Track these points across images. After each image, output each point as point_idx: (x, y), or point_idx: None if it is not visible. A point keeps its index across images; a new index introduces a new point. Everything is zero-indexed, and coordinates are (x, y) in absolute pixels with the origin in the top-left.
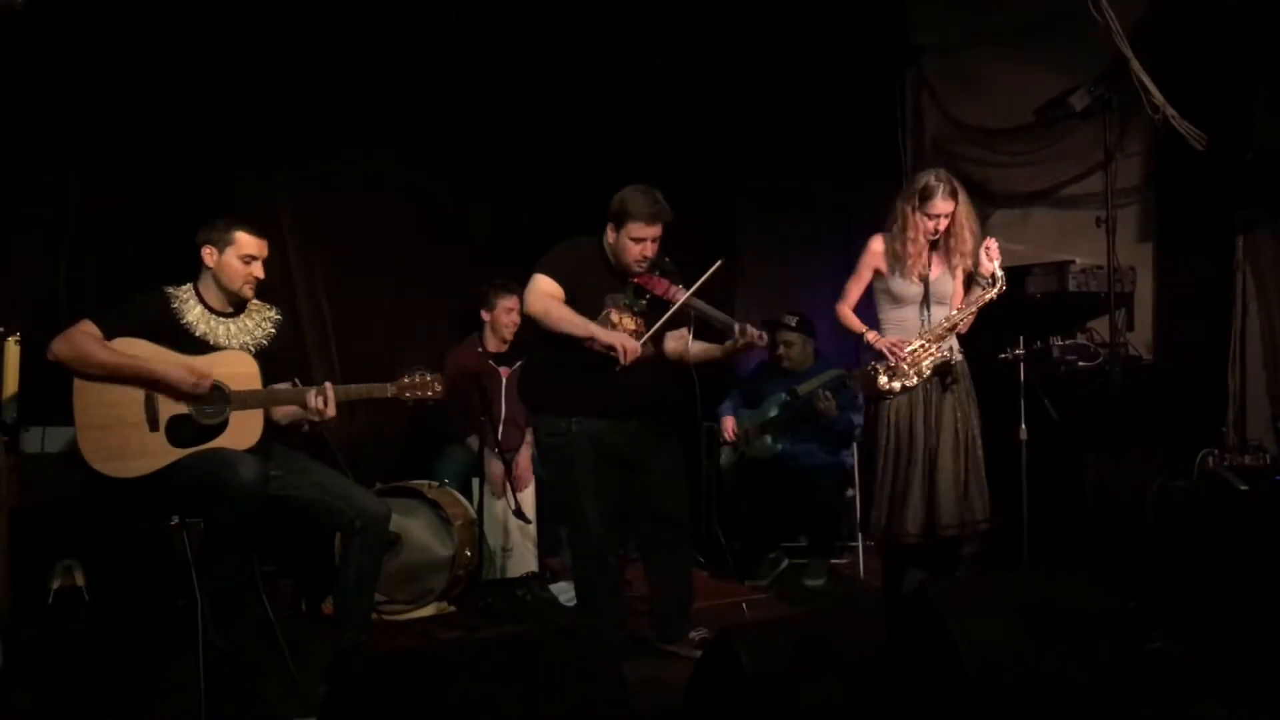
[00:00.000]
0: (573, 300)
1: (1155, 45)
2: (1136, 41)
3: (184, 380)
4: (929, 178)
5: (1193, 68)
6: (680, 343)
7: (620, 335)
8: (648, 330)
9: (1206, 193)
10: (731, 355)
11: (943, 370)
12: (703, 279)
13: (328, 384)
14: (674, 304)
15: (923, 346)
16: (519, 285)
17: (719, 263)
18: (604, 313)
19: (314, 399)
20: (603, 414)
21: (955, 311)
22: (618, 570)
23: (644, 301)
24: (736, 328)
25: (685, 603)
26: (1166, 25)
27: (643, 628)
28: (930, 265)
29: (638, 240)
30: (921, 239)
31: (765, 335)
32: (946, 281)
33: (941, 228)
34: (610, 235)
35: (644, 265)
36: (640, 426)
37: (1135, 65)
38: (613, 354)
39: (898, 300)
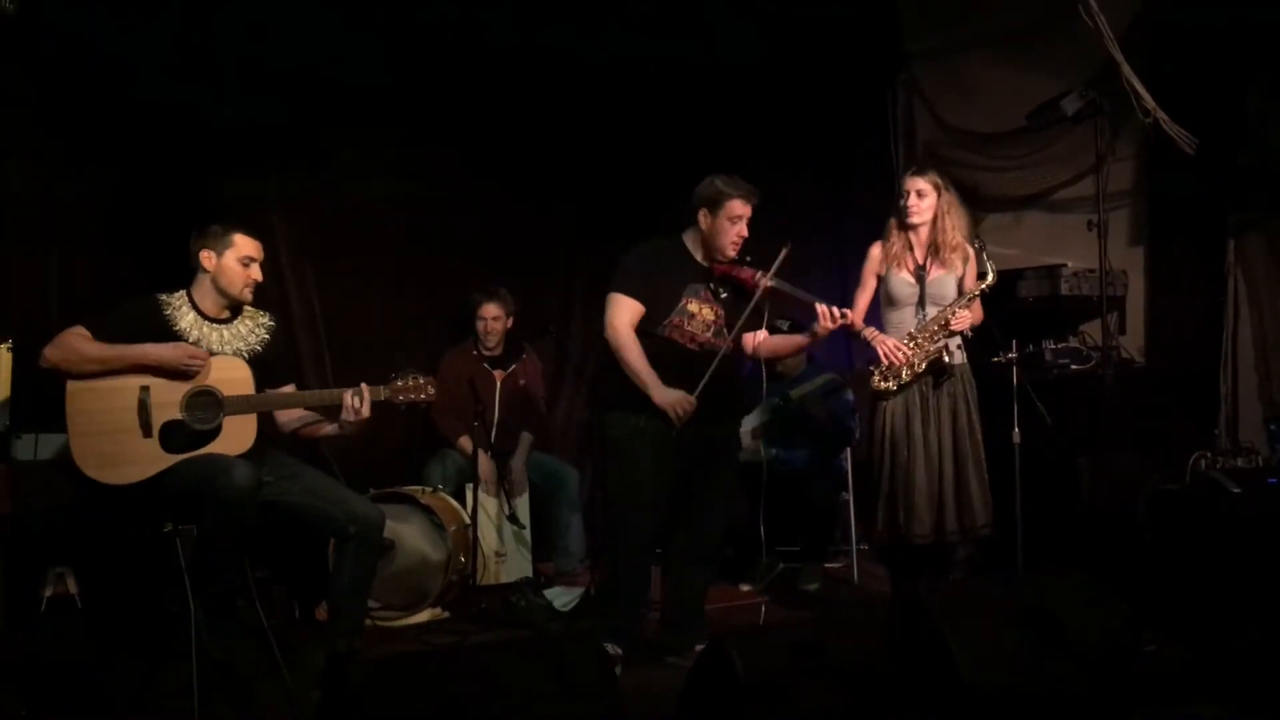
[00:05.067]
0: (652, 301)
1: (1146, 49)
2: (1127, 45)
3: (177, 357)
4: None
5: (1183, 72)
6: (752, 340)
7: (674, 397)
8: (727, 319)
9: (1198, 196)
10: (815, 339)
11: (937, 368)
12: (779, 260)
13: (363, 384)
14: (759, 290)
15: (916, 344)
16: (501, 292)
17: (788, 247)
18: (682, 303)
19: (351, 398)
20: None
21: (947, 308)
22: (648, 576)
23: (725, 291)
24: (820, 309)
25: (698, 616)
26: (1157, 29)
27: (647, 634)
28: (927, 266)
29: (735, 220)
30: (901, 222)
31: (847, 311)
32: (945, 284)
33: (915, 206)
34: (704, 221)
35: (738, 248)
36: (705, 430)
37: (1126, 69)
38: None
39: (895, 302)
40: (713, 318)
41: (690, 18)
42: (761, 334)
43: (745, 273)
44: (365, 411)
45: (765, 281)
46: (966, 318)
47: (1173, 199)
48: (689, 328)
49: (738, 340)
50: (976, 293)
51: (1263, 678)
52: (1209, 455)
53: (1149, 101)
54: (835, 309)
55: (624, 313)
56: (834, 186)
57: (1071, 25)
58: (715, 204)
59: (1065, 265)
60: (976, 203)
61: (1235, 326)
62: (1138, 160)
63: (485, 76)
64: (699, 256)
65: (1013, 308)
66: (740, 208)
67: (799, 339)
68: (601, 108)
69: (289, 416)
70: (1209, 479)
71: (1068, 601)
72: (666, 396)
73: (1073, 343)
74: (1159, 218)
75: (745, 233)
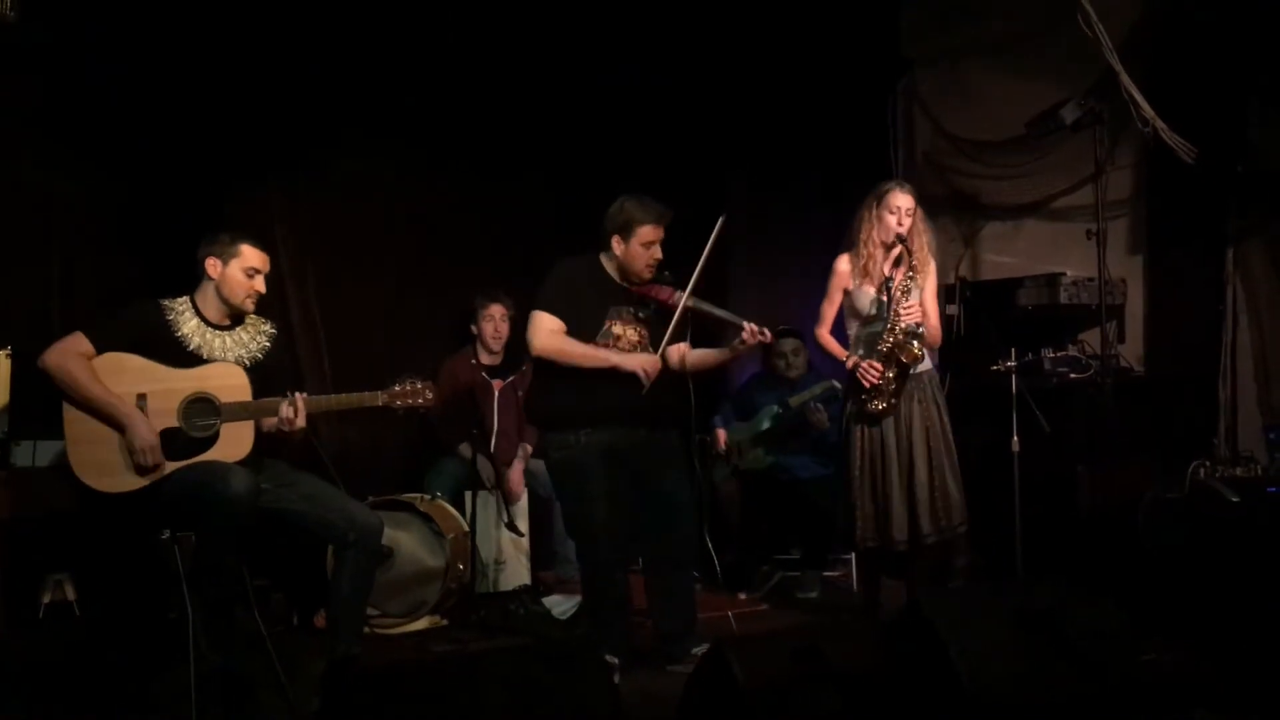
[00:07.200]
0: (575, 322)
1: (1145, 58)
2: (1126, 55)
3: (144, 448)
4: (886, 182)
5: (1182, 81)
6: (678, 353)
7: (639, 358)
8: (651, 338)
9: (1197, 205)
10: (737, 355)
11: (902, 366)
12: (695, 276)
13: (299, 394)
14: (677, 308)
15: (878, 353)
16: (505, 294)
17: (704, 256)
18: (606, 326)
19: (285, 408)
20: (612, 423)
21: (892, 310)
22: (626, 584)
23: (646, 312)
24: (745, 327)
25: (691, 621)
26: (1156, 38)
27: (641, 642)
28: (895, 279)
29: (648, 245)
30: (878, 238)
31: (767, 331)
32: (911, 295)
33: (904, 224)
34: (617, 247)
35: (653, 270)
36: (650, 436)
37: (1125, 78)
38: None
39: (862, 317)
40: (636, 338)
41: (692, 23)
42: (684, 347)
43: (663, 292)
44: (300, 422)
45: (683, 302)
46: (914, 309)
47: (1172, 207)
48: (616, 348)
49: (663, 355)
50: (908, 284)
51: (1262, 686)
52: (1208, 464)
53: (1148, 110)
54: (757, 327)
55: (547, 324)
56: (833, 193)
57: (1071, 34)
58: (627, 230)
59: (1064, 274)
60: (975, 210)
61: (1234, 335)
62: (1137, 169)
63: (487, 80)
64: (617, 278)
65: (1012, 316)
66: (652, 233)
67: (722, 354)
68: (603, 113)
69: (271, 422)
70: (1208, 488)
71: (1067, 609)
72: (632, 360)
73: (1072, 351)
74: (1158, 226)
75: (659, 255)
